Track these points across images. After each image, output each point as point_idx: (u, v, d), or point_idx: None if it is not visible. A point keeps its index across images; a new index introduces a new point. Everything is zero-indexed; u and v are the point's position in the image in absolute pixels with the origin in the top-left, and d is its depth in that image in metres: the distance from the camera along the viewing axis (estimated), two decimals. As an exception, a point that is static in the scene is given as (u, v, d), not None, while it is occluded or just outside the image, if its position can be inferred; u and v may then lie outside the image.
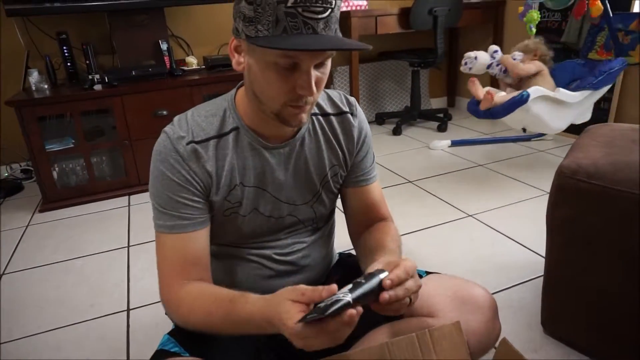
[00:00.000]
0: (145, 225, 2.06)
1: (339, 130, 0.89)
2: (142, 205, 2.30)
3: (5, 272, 1.75)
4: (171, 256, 0.80)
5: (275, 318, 0.64)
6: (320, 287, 0.62)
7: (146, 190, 2.50)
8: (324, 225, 0.99)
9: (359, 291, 0.62)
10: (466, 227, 1.86)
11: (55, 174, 2.35)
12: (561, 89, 2.20)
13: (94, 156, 2.46)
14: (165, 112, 2.37)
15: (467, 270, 1.54)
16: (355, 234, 0.97)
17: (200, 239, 0.81)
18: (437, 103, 3.81)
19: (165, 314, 0.85)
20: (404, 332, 0.78)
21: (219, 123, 0.82)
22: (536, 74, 2.29)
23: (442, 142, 2.87)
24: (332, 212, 1.02)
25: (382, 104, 3.63)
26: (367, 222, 0.95)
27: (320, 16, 0.66)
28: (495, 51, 2.40)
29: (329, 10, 0.66)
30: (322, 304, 0.60)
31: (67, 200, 2.35)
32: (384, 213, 0.97)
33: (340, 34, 0.72)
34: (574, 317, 1.13)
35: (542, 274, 1.19)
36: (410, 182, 2.37)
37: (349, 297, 0.60)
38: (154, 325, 1.36)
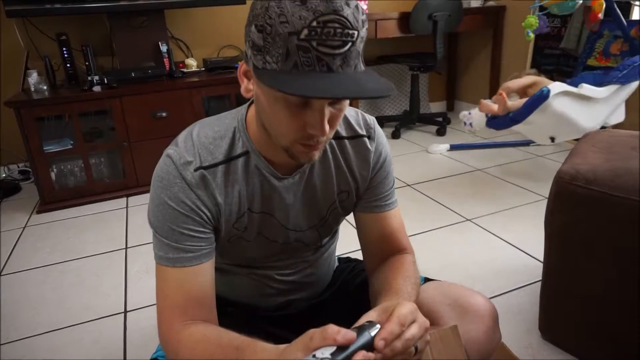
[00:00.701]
0: (144, 227, 2.05)
1: (351, 155, 0.82)
2: (140, 207, 2.30)
3: (2, 274, 1.74)
4: (173, 293, 0.72)
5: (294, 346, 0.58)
6: (330, 331, 0.55)
7: (144, 192, 2.51)
8: (328, 242, 0.95)
9: (344, 355, 0.54)
10: (465, 232, 1.86)
11: (53, 175, 2.35)
12: (585, 85, 1.98)
13: (93, 157, 2.45)
14: (164, 114, 2.37)
15: (466, 274, 1.54)
16: (370, 269, 0.88)
17: (205, 273, 0.74)
18: (437, 107, 3.82)
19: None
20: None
21: (227, 146, 0.74)
22: (532, 86, 2.05)
23: (441, 146, 2.87)
24: (337, 230, 0.97)
25: (381, 107, 3.64)
26: (384, 253, 0.86)
27: (337, 51, 0.57)
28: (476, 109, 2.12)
29: (349, 44, 0.57)
30: None
31: (65, 202, 2.34)
32: (403, 244, 0.88)
33: (362, 67, 0.62)
34: (571, 323, 1.13)
35: (540, 279, 1.19)
36: (408, 185, 2.37)
37: None
38: (152, 328, 1.36)
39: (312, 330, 0.57)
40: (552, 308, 1.17)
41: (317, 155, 0.69)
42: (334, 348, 0.55)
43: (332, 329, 0.55)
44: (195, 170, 0.71)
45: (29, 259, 1.84)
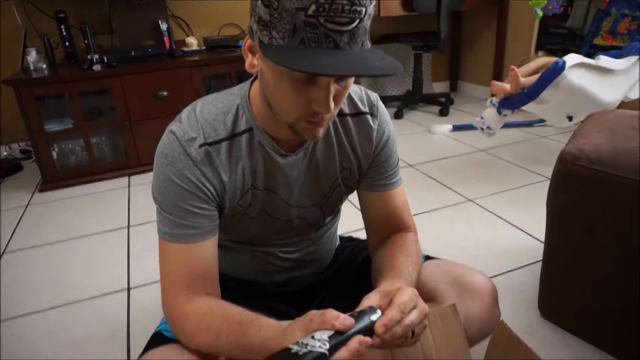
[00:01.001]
0: (146, 205, 2.06)
1: (354, 132, 0.81)
2: (142, 187, 2.30)
3: (5, 252, 1.75)
4: (177, 267, 0.73)
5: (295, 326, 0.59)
6: (329, 315, 0.56)
7: (146, 171, 2.51)
8: (330, 221, 0.96)
9: (342, 338, 0.55)
10: (466, 212, 1.86)
11: (54, 154, 2.35)
12: (602, 56, 1.85)
13: (94, 137, 2.45)
14: (165, 93, 2.35)
15: (467, 254, 1.54)
16: (374, 247, 0.89)
17: (209, 249, 0.74)
18: (440, 87, 3.78)
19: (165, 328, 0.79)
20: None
21: (231, 123, 0.74)
22: (544, 67, 1.90)
23: (443, 127, 2.85)
24: (339, 209, 0.97)
25: (384, 87, 3.60)
26: (387, 231, 0.87)
27: (345, 28, 0.56)
28: (492, 99, 2.01)
29: (357, 21, 0.56)
30: (295, 348, 0.54)
31: (66, 181, 2.35)
32: (407, 223, 0.88)
33: (368, 45, 0.61)
34: (571, 302, 1.13)
35: (541, 259, 1.19)
36: (411, 166, 2.36)
37: (325, 348, 0.54)
38: (155, 305, 1.37)
39: (312, 312, 0.58)
40: (552, 287, 1.17)
41: (321, 132, 0.68)
42: (333, 331, 0.56)
43: (331, 313, 0.56)
44: (200, 146, 0.71)
45: (31, 237, 1.85)
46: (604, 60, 1.80)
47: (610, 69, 1.81)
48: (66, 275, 1.58)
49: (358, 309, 0.61)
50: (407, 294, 0.61)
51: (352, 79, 0.66)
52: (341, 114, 0.80)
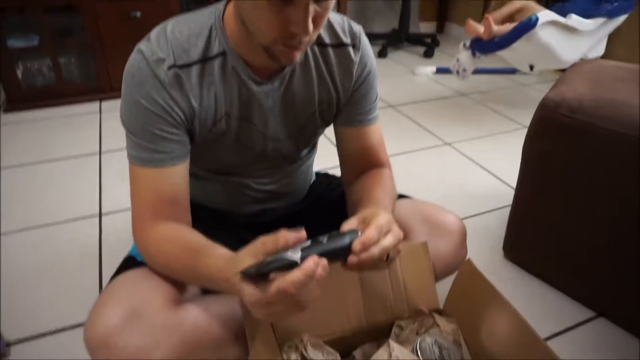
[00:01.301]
0: (118, 132, 1.98)
1: (334, 65, 0.78)
2: (114, 113, 2.22)
3: (-30, 172, 1.69)
4: (146, 192, 0.72)
5: (232, 278, 0.57)
6: (282, 234, 0.55)
7: (118, 97, 2.38)
8: (306, 155, 0.94)
9: (313, 251, 0.55)
10: (442, 155, 1.88)
11: (19, 73, 2.22)
12: (573, 15, 1.95)
13: (62, 57, 2.31)
14: (138, 14, 2.20)
15: (438, 196, 1.57)
16: (348, 182, 0.89)
17: (178, 174, 0.73)
18: (426, 28, 3.68)
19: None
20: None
21: (203, 45, 0.70)
22: (521, 11, 2.02)
23: (427, 69, 2.81)
24: (315, 143, 0.96)
25: (370, 24, 3.48)
26: (362, 167, 0.87)
27: None
28: (465, 42, 2.08)
29: None
30: (269, 258, 0.54)
31: (33, 102, 2.24)
32: (382, 159, 0.88)
33: None
34: (534, 246, 1.18)
35: (510, 204, 1.23)
36: (391, 106, 2.34)
37: (297, 257, 0.53)
38: (127, 231, 1.36)
39: (263, 237, 0.58)
40: (517, 230, 1.22)
41: (298, 56, 0.66)
42: (309, 243, 0.56)
43: (283, 232, 0.56)
44: (169, 68, 0.68)
45: (-2, 158, 1.79)
46: (574, 20, 1.92)
47: (577, 29, 1.94)
48: (37, 198, 1.55)
49: (335, 232, 0.61)
50: (384, 218, 0.62)
51: (333, 2, 0.63)
52: (322, 44, 0.77)
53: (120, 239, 1.34)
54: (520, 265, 1.24)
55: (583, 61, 1.29)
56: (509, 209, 1.24)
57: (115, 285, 0.72)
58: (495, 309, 0.72)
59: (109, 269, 1.19)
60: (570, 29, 1.95)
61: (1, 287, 1.17)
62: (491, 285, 0.74)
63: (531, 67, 2.29)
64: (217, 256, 0.64)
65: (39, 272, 1.22)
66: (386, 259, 0.64)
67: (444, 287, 0.84)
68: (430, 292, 0.82)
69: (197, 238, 0.69)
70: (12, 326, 1.04)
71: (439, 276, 0.86)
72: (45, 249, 1.31)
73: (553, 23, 1.90)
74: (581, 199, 1.02)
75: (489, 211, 1.50)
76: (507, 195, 1.52)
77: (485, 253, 1.30)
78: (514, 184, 1.21)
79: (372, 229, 0.60)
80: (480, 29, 1.96)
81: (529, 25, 1.83)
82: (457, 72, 2.11)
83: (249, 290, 0.55)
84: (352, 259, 0.58)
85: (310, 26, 0.60)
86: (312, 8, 0.59)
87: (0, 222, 1.42)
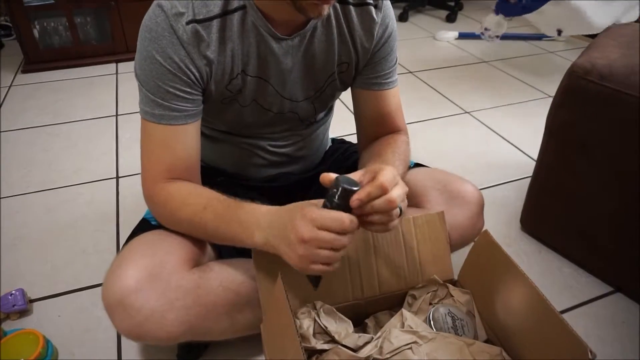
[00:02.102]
0: (135, 95, 1.98)
1: (356, 24, 0.76)
2: (130, 75, 2.19)
3: (-10, 131, 1.72)
4: (158, 149, 0.72)
5: (286, 220, 0.61)
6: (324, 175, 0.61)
7: (134, 59, 2.36)
8: (322, 118, 0.93)
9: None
10: (461, 124, 1.83)
11: (36, 33, 2.20)
12: None
13: (78, 16, 2.28)
14: (154, -28, 2.15)
15: (457, 165, 1.55)
16: (363, 148, 0.88)
17: (190, 133, 0.73)
18: (450, -10, 3.53)
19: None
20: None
21: None
22: None
23: (449, 34, 2.71)
24: (332, 106, 0.95)
25: (391, -15, 3.35)
26: (379, 132, 0.86)
27: None
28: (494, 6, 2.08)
29: None
30: (331, 192, 0.60)
31: (51, 63, 2.23)
32: (399, 125, 0.87)
33: None
34: (552, 218, 1.16)
35: (530, 175, 1.20)
36: (410, 72, 2.28)
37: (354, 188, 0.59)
38: (143, 194, 1.38)
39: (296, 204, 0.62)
40: (535, 202, 1.19)
41: (326, 10, 0.64)
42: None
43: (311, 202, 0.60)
44: (188, 23, 0.66)
45: (17, 119, 1.80)
46: None
47: None
48: (55, 159, 1.56)
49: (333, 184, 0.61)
50: (390, 172, 0.61)
51: None
52: (344, 2, 0.74)
53: (137, 201, 1.36)
54: (537, 238, 1.22)
55: (616, 26, 1.22)
56: (528, 180, 1.21)
57: (131, 247, 0.73)
58: (511, 281, 0.71)
59: (126, 231, 1.20)
60: None
61: (23, 246, 1.20)
62: (507, 256, 0.72)
63: (559, 32, 2.17)
64: (255, 205, 0.67)
65: (58, 232, 1.25)
66: (400, 214, 0.63)
67: (459, 258, 0.83)
68: (445, 263, 0.81)
69: (222, 195, 0.70)
70: (33, 284, 1.07)
71: (454, 246, 0.85)
72: (64, 210, 1.33)
73: None
74: (605, 170, 0.99)
75: (508, 182, 1.47)
76: (527, 166, 1.49)
77: (502, 224, 1.28)
78: (535, 155, 1.17)
79: (373, 185, 0.59)
80: None
81: None
82: (482, 34, 2.09)
83: (328, 214, 0.58)
84: (353, 201, 0.58)
85: None
86: None
87: (16, 184, 1.44)
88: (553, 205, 1.14)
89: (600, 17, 1.92)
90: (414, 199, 0.85)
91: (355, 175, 0.62)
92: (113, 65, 2.30)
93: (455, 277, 0.83)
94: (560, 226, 1.14)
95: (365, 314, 0.80)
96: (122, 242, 1.21)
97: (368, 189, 0.59)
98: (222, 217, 0.68)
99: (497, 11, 2.01)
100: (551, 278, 1.11)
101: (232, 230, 0.67)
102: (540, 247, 1.21)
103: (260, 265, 0.71)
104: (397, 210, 0.61)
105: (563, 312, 1.03)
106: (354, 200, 0.58)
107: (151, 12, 0.67)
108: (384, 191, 0.59)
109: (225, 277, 0.73)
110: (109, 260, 0.72)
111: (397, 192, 0.60)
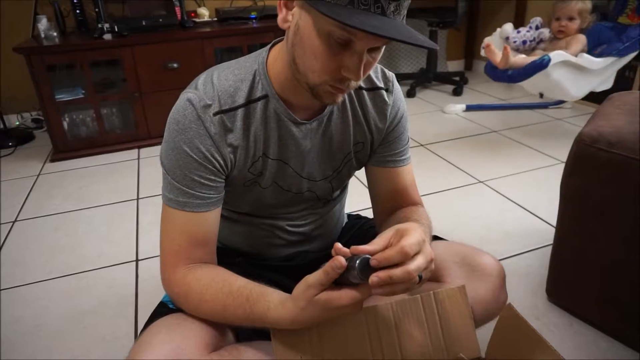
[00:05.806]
0: (155, 178, 2.06)
1: (369, 107, 0.81)
2: (152, 159, 2.30)
3: (17, 219, 1.77)
4: (179, 236, 0.73)
5: (299, 302, 0.63)
6: (336, 258, 0.59)
7: (156, 144, 2.51)
8: (339, 196, 0.95)
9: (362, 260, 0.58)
10: (476, 193, 1.84)
11: (65, 124, 2.35)
12: (584, 55, 2.11)
13: (104, 107, 2.44)
14: (175, 65, 2.32)
15: (475, 236, 1.53)
16: (380, 223, 0.89)
17: (211, 220, 0.75)
18: (454, 66, 3.70)
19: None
20: (409, 294, 0.77)
21: (247, 89, 0.73)
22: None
23: (456, 106, 2.80)
24: (347, 184, 0.97)
25: (397, 64, 3.54)
26: (395, 208, 0.87)
27: None
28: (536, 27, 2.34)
29: None
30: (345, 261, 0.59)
31: (77, 151, 2.36)
32: (415, 199, 0.88)
33: (405, 21, 0.63)
34: (580, 287, 1.12)
35: (551, 242, 1.18)
36: (422, 145, 2.33)
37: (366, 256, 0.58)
38: (162, 277, 1.39)
39: (306, 281, 0.62)
40: (561, 271, 1.16)
41: (340, 97, 0.68)
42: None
43: (336, 258, 0.60)
44: (215, 114, 0.71)
45: (43, 206, 1.87)
46: (585, 60, 2.07)
47: (587, 68, 2.09)
48: (77, 245, 1.60)
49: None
50: (415, 237, 0.59)
51: (382, 52, 0.66)
52: (357, 87, 0.79)
53: (156, 284, 1.36)
54: (565, 309, 1.18)
55: (619, 94, 1.26)
56: (550, 248, 1.18)
57: (150, 333, 0.72)
58: (541, 358, 0.68)
59: (144, 314, 1.20)
60: (580, 68, 2.08)
61: (43, 334, 1.19)
62: (535, 331, 0.69)
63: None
64: (274, 307, 0.65)
65: (78, 318, 1.24)
66: (420, 280, 0.61)
67: (484, 334, 0.80)
68: (471, 339, 0.78)
69: (243, 282, 0.70)
70: (50, 373, 1.05)
71: (478, 322, 0.82)
72: (85, 295, 1.34)
73: (564, 63, 2.04)
74: (627, 236, 0.97)
75: (529, 251, 1.44)
76: (547, 234, 1.46)
77: (528, 296, 1.24)
78: (553, 222, 1.16)
79: (393, 249, 0.58)
80: (498, 56, 2.13)
81: (541, 66, 2.00)
82: (515, 40, 2.32)
83: (347, 293, 0.60)
84: (372, 279, 0.56)
85: (362, 72, 0.63)
86: (365, 56, 0.62)
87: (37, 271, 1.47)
88: (578, 274, 1.11)
89: (577, 89, 2.17)
90: (433, 274, 0.83)
91: (386, 236, 0.62)
92: (135, 151, 2.42)
93: (483, 355, 0.80)
94: (589, 295, 1.10)
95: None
96: (140, 326, 1.20)
97: (388, 253, 0.58)
98: (245, 319, 0.69)
99: (486, 72, 2.24)
100: (585, 353, 1.05)
101: (257, 325, 0.69)
102: (572, 320, 1.15)
103: (279, 350, 0.69)
104: (417, 278, 0.60)
105: (603, 390, 0.96)
106: (373, 278, 0.57)
107: (179, 106, 0.71)
108: (404, 257, 0.57)
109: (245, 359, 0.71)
110: (127, 347, 0.72)
111: (418, 263, 0.59)
